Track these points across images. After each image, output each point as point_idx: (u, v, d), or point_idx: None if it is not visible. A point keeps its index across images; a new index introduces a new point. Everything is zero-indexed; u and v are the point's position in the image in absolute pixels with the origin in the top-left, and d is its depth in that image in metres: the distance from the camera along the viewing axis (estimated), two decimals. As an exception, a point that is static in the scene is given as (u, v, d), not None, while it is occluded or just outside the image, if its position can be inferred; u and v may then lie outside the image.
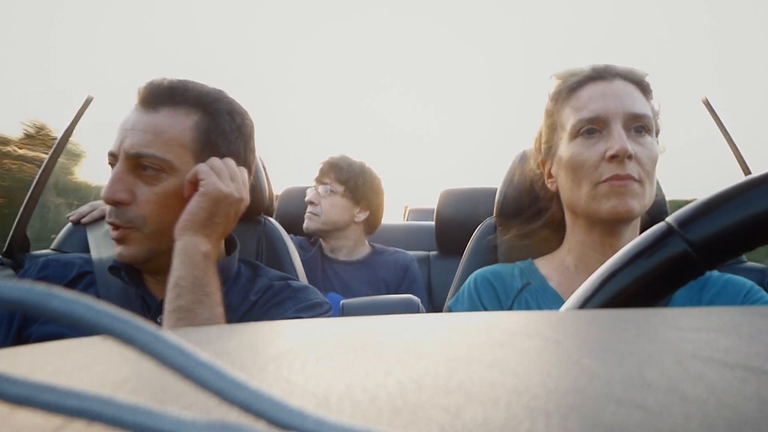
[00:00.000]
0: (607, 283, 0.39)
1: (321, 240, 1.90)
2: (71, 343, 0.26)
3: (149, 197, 0.84)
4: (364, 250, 1.90)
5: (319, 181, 1.86)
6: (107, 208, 0.85)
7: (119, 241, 0.85)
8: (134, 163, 0.84)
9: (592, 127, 0.85)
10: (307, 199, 1.85)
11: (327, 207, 1.81)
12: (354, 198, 1.83)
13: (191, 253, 0.81)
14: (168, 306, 0.78)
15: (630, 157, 0.81)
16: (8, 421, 0.15)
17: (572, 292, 0.40)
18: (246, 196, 0.88)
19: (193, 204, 0.83)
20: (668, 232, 0.39)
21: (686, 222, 0.38)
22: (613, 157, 0.81)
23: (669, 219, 0.39)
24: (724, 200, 0.38)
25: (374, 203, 1.88)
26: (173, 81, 0.88)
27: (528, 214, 1.06)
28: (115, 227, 0.85)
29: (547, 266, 0.96)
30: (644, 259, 0.39)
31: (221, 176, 0.84)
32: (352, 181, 1.83)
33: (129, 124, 0.85)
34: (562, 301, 0.88)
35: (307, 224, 1.83)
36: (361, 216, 1.85)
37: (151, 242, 0.85)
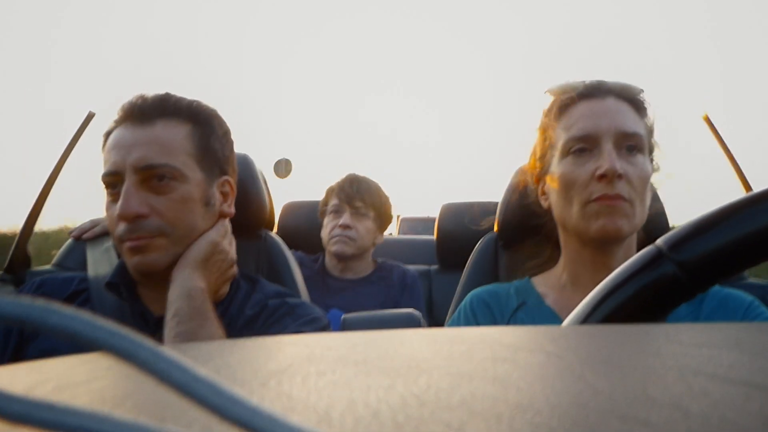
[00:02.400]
0: (598, 307, 0.39)
1: (335, 260, 1.85)
2: (71, 359, 0.26)
3: (166, 205, 0.84)
4: (368, 267, 1.89)
5: (351, 204, 1.80)
6: (119, 225, 0.83)
7: (139, 250, 0.83)
8: (144, 176, 0.84)
9: (583, 146, 0.84)
10: (341, 222, 1.79)
11: (363, 231, 1.78)
12: (379, 222, 1.82)
13: (189, 286, 0.82)
14: (169, 333, 0.79)
15: (620, 176, 0.80)
16: (6, 438, 0.15)
17: (568, 310, 0.40)
18: (234, 258, 0.94)
19: (203, 240, 0.88)
20: (658, 255, 0.39)
21: (675, 245, 0.39)
22: (602, 177, 0.81)
23: (659, 242, 0.40)
24: (713, 222, 0.38)
25: (386, 226, 1.88)
26: (158, 95, 0.90)
27: (529, 230, 1.06)
28: (137, 238, 0.83)
29: (543, 284, 0.95)
30: (635, 282, 0.39)
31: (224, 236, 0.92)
32: (381, 206, 1.81)
33: (127, 140, 0.85)
34: (557, 319, 0.88)
35: (342, 248, 1.77)
36: (380, 239, 1.85)
37: (176, 247, 0.85)
